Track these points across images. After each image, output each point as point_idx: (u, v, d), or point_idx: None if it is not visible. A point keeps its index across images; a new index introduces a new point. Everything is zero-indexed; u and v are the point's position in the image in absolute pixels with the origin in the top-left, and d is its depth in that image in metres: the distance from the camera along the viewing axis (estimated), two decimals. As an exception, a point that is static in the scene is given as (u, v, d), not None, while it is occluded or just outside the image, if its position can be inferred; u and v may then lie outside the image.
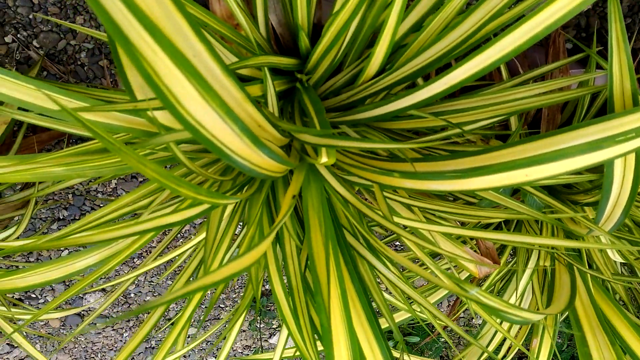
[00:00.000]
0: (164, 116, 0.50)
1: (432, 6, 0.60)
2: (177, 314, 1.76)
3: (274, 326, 1.84)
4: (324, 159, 0.55)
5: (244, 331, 1.85)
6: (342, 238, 0.65)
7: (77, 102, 0.50)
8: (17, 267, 1.14)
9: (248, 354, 1.92)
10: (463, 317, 1.73)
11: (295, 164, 0.59)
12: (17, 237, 0.81)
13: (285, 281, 0.67)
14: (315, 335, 0.64)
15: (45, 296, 1.62)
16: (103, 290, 1.66)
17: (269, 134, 0.55)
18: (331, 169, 0.65)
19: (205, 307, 1.77)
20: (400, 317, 0.88)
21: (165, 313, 1.76)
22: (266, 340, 1.88)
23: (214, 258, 0.68)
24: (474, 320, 1.71)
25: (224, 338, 0.87)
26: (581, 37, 1.05)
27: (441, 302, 1.70)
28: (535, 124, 0.88)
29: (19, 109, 0.84)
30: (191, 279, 0.80)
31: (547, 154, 0.48)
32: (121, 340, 1.87)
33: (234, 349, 1.92)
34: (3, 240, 0.81)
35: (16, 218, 1.00)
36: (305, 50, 0.65)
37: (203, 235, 0.84)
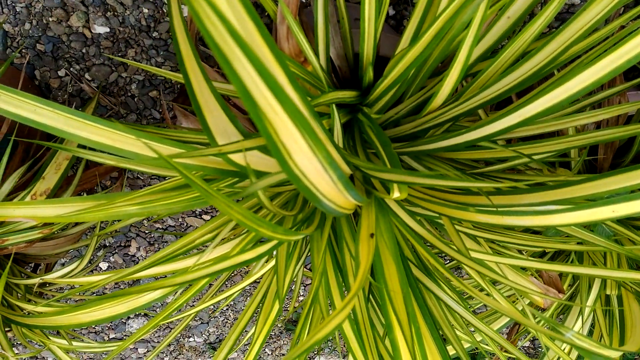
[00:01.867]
0: (243, 158, 0.50)
1: (501, 36, 0.60)
2: (217, 338, 1.76)
3: (314, 350, 1.83)
4: (396, 194, 0.55)
5: (283, 354, 1.84)
6: (410, 272, 0.64)
7: (158, 144, 0.51)
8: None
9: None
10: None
11: (366, 200, 0.58)
12: (78, 272, 0.82)
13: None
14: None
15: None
16: (145, 315, 1.67)
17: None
18: (398, 202, 0.64)
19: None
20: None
21: (206, 337, 1.76)
22: (306, 364, 1.87)
23: (282, 288, 0.67)
24: (519, 342, 1.67)
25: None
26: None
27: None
28: (593, 147, 0.86)
29: (79, 146, 0.86)
30: (259, 307, 0.79)
31: (629, 189, 0.47)
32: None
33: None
34: (66, 275, 0.82)
35: (71, 251, 1.01)
36: (368, 83, 0.65)
37: (257, 275, 0.83)
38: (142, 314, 1.67)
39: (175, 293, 0.77)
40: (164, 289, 0.71)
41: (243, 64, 0.25)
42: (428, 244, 0.64)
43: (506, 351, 0.78)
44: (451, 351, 0.88)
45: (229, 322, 1.71)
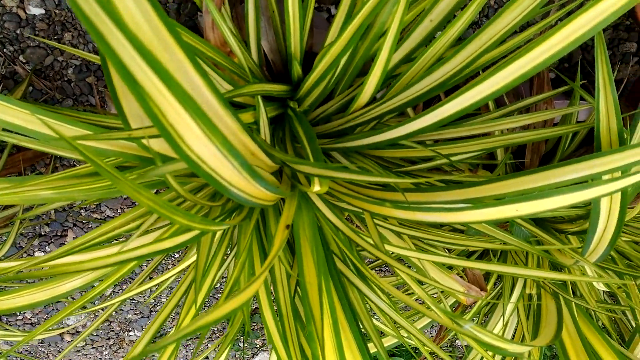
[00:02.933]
0: (159, 144, 0.50)
1: (424, 38, 0.61)
2: (158, 332, 1.73)
3: (257, 345, 1.82)
4: (316, 187, 0.55)
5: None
6: (332, 265, 0.65)
7: (71, 126, 0.50)
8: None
9: (229, 374, 1.89)
10: (448, 339, 1.73)
11: (288, 193, 0.59)
12: (1, 258, 0.80)
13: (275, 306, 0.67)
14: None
15: (23, 313, 1.59)
16: (83, 307, 1.63)
17: (262, 162, 0.55)
18: (322, 196, 0.65)
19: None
20: (389, 341, 0.88)
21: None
22: (248, 360, 1.86)
23: (203, 281, 0.67)
24: (457, 341, 1.71)
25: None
26: (564, 67, 1.08)
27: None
28: (520, 152, 0.89)
29: (4, 129, 0.84)
30: (181, 300, 0.79)
31: (538, 190, 0.49)
32: (100, 359, 1.83)
33: (215, 368, 1.90)
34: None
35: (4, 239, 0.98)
36: (298, 78, 0.65)
37: (191, 260, 0.83)
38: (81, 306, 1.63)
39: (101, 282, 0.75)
40: (86, 278, 0.70)
41: (120, 41, 0.25)
42: (348, 237, 0.65)
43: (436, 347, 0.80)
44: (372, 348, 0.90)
45: (170, 316, 1.69)
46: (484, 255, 0.92)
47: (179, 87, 0.29)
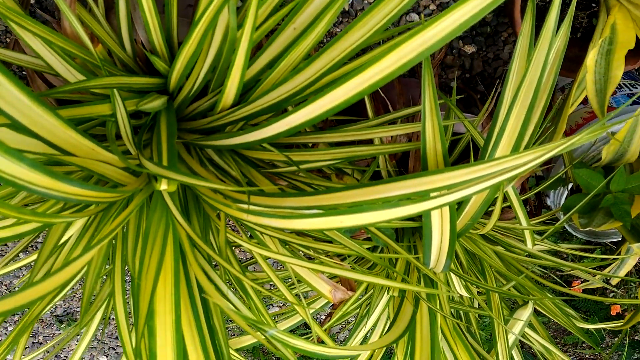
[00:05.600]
0: None
1: (289, 44, 0.62)
2: (64, 311, 1.71)
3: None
4: (163, 186, 0.56)
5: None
6: (187, 262, 0.66)
7: None
8: None
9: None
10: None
11: (137, 189, 0.59)
12: None
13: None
14: None
15: None
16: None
17: (105, 157, 0.55)
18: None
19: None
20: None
21: (53, 309, 1.70)
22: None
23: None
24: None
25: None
26: (465, 77, 1.11)
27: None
28: (405, 159, 0.92)
29: None
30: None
31: (363, 204, 0.51)
32: (5, 334, 1.79)
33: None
34: None
35: None
36: (164, 71, 0.65)
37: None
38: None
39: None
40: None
41: None
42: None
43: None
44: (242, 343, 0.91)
45: (77, 295, 1.66)
46: (360, 260, 0.95)
47: None
